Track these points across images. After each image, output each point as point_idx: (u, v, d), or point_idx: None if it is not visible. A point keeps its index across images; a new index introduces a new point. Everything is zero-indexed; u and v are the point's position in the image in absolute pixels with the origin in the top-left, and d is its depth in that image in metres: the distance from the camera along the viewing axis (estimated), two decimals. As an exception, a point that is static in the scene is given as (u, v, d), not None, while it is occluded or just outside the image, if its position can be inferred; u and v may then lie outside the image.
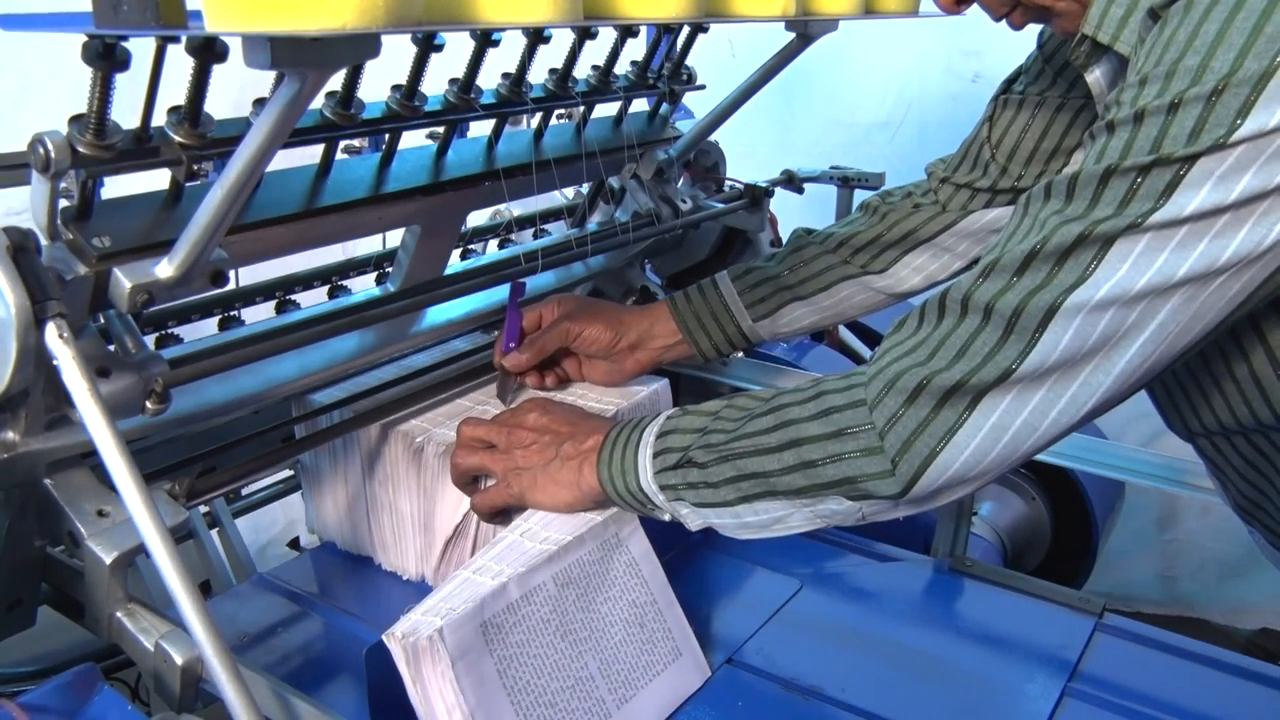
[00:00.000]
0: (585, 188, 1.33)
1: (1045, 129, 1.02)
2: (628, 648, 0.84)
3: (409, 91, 0.91)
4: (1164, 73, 0.62)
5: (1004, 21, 0.89)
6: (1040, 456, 1.08)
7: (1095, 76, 0.81)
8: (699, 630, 0.91)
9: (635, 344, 1.07)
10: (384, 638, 0.73)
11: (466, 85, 0.96)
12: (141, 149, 0.73)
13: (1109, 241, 0.62)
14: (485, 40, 0.92)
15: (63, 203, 0.71)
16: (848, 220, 1.14)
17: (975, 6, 0.89)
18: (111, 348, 0.77)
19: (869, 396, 0.71)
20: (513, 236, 1.33)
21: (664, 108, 1.27)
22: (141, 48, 0.66)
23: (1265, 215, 0.60)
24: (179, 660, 0.67)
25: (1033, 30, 2.24)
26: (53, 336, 0.66)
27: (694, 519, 0.81)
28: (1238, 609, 2.30)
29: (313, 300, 1.04)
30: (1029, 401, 0.66)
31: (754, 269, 1.12)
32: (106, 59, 0.66)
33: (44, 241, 0.71)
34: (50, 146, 0.65)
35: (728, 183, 1.48)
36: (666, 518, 0.83)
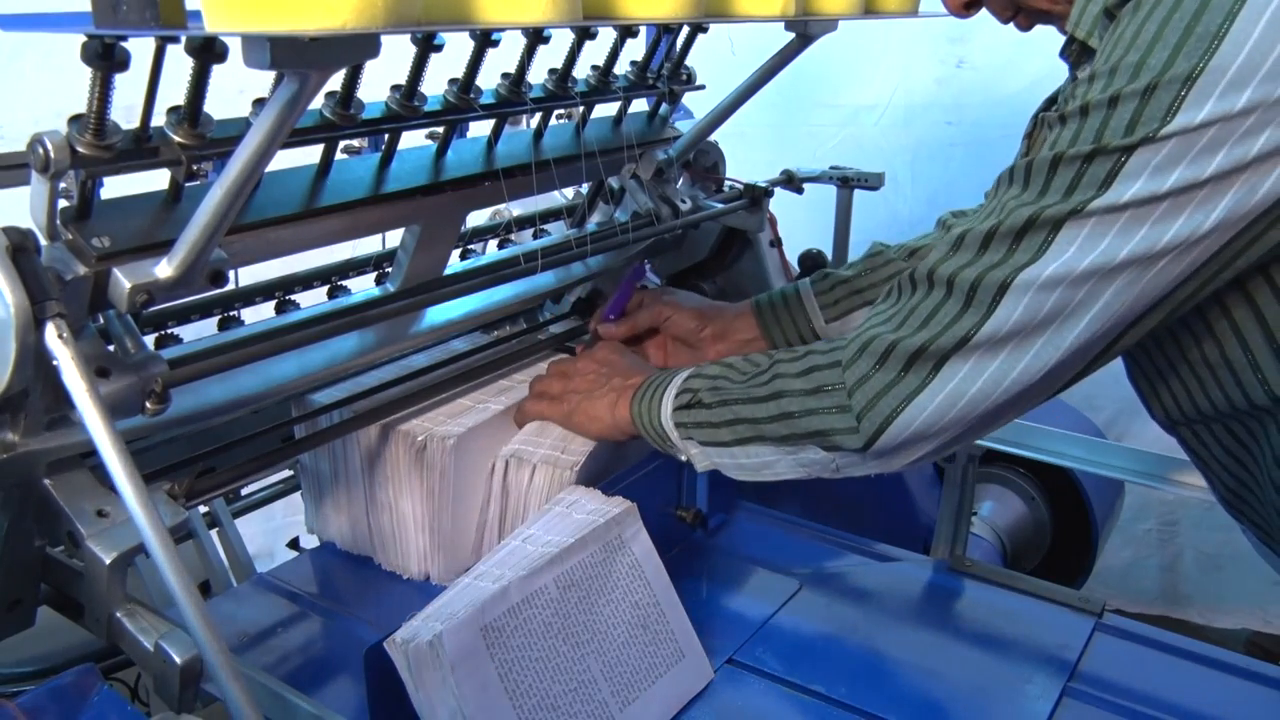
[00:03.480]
0: (585, 188, 1.33)
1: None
2: (631, 649, 0.84)
3: (409, 91, 0.91)
4: (1108, 69, 0.67)
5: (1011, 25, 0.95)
6: (1040, 456, 1.10)
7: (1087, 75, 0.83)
8: (699, 630, 0.91)
9: (718, 335, 1.14)
10: (385, 644, 0.73)
11: (466, 85, 0.96)
12: (141, 149, 0.73)
13: (1057, 225, 0.68)
14: (485, 40, 0.92)
15: (62, 203, 0.71)
16: (923, 235, 1.16)
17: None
18: (111, 348, 0.77)
19: (844, 358, 0.79)
20: (512, 236, 1.33)
21: (663, 108, 1.27)
22: (141, 48, 0.66)
23: (1201, 204, 0.65)
24: (179, 660, 0.67)
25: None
26: (52, 337, 0.66)
27: (701, 459, 0.89)
28: (1225, 610, 2.31)
29: (312, 300, 1.04)
30: (985, 368, 0.73)
31: (831, 274, 1.15)
32: (106, 59, 0.65)
33: (43, 242, 0.71)
34: (49, 147, 0.65)
35: (727, 183, 1.47)
36: (683, 457, 0.91)
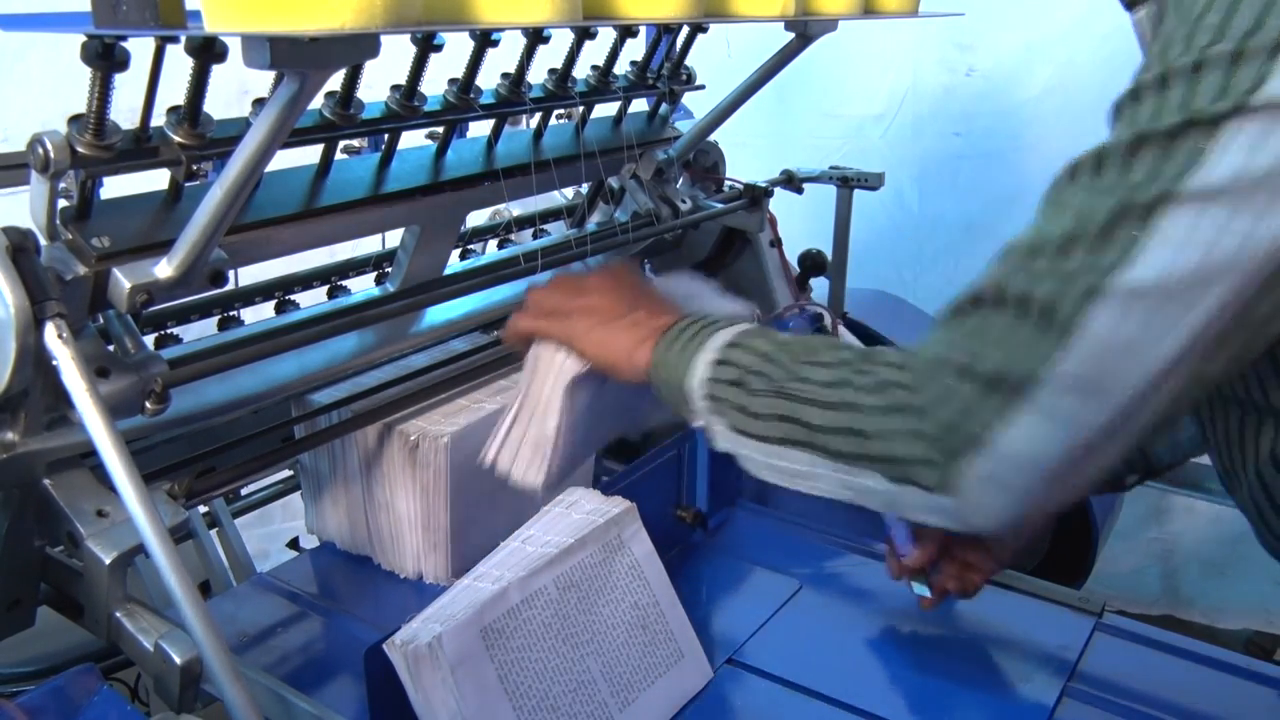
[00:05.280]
0: (585, 188, 1.33)
1: None
2: (630, 650, 0.84)
3: (408, 91, 0.91)
4: (1185, 34, 0.58)
5: None
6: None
7: (1142, 15, 0.77)
8: (698, 630, 0.91)
9: None
10: (384, 646, 0.73)
11: (466, 85, 0.96)
12: (141, 149, 0.73)
13: (1148, 211, 0.57)
14: (485, 40, 0.92)
15: (62, 203, 0.71)
16: None
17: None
18: (111, 348, 0.77)
19: (919, 380, 0.66)
20: (512, 236, 1.33)
21: (663, 108, 1.27)
22: (141, 48, 0.66)
23: None
24: (179, 660, 0.67)
25: (1021, 27, 2.23)
26: (52, 337, 0.66)
27: (724, 440, 0.76)
28: (1229, 611, 2.30)
29: (312, 300, 1.04)
30: (1081, 402, 0.59)
31: None
32: (106, 59, 0.66)
33: (43, 242, 0.71)
34: (49, 147, 0.65)
35: (727, 183, 1.48)
36: (697, 423, 0.78)
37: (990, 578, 0.98)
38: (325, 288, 1.09)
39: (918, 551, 0.96)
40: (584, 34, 1.03)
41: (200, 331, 0.96)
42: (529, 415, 0.85)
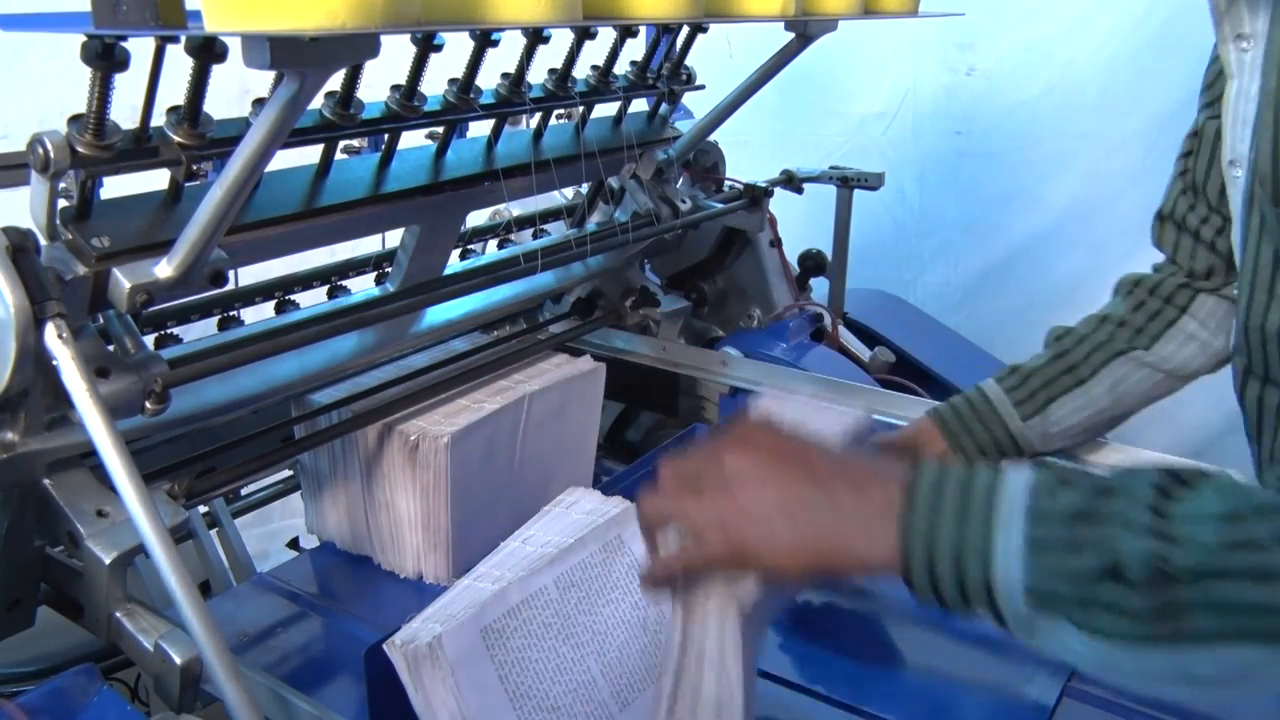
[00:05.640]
0: (585, 188, 1.33)
1: (1211, 155, 0.90)
2: (631, 650, 0.84)
3: (408, 91, 0.91)
4: None
5: None
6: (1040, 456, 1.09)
7: None
8: None
9: (903, 453, 0.95)
10: (385, 646, 0.73)
11: (466, 85, 0.96)
12: (141, 149, 0.73)
13: None
14: (485, 40, 0.92)
15: (62, 203, 0.71)
16: (1106, 304, 1.02)
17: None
18: (111, 348, 0.77)
19: None
20: (512, 236, 1.33)
21: (663, 108, 1.27)
22: (141, 48, 0.66)
23: None
24: (178, 660, 0.67)
25: (1021, 27, 2.23)
26: (52, 337, 0.66)
27: (1072, 648, 0.53)
28: None
29: (312, 300, 1.04)
30: None
31: (1019, 366, 1.00)
32: (106, 59, 0.66)
33: (43, 242, 0.71)
34: (49, 146, 0.65)
35: (727, 183, 1.48)
36: (1005, 627, 0.55)
37: None
38: (325, 288, 1.09)
39: None
40: (584, 34, 1.03)
41: (200, 331, 0.96)
42: (697, 672, 0.63)
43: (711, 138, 1.38)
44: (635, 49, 1.14)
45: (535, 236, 1.28)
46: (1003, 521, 0.53)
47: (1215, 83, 0.89)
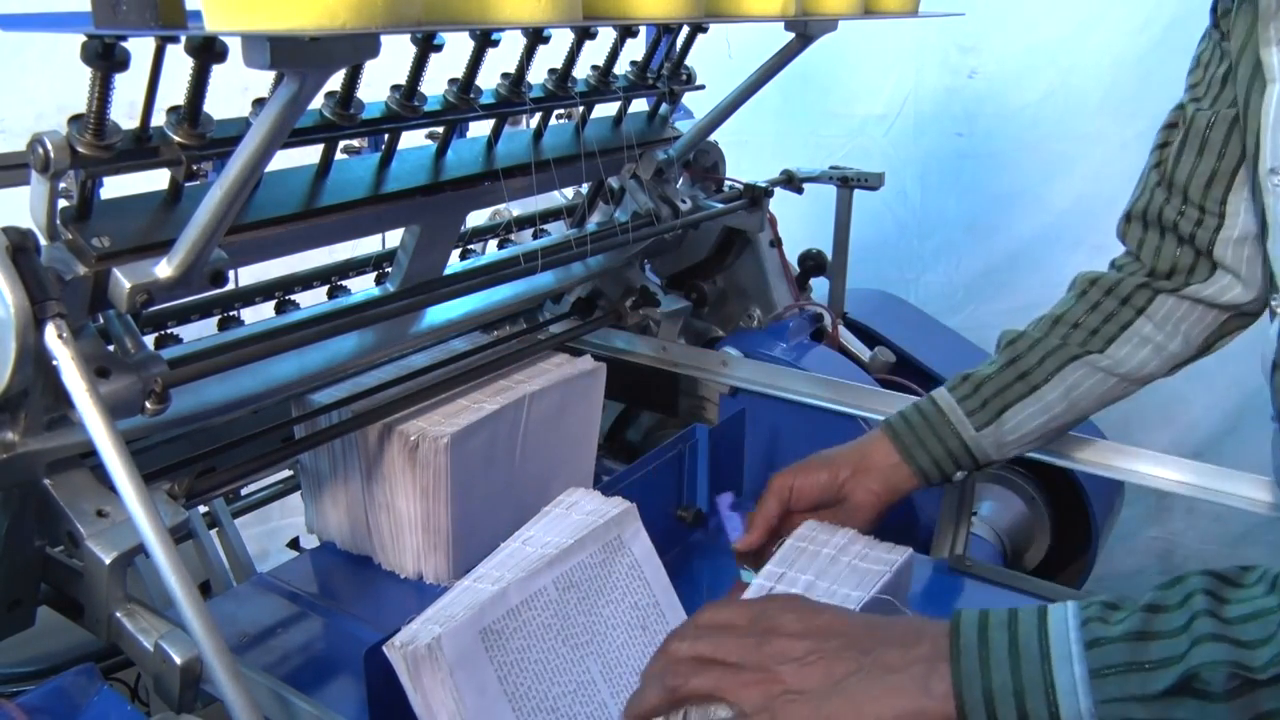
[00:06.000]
0: (585, 188, 1.33)
1: (1201, 146, 0.88)
2: (630, 650, 0.84)
3: (408, 91, 0.91)
4: None
5: None
6: (1040, 456, 1.09)
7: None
8: None
9: (857, 474, 0.94)
10: (384, 648, 0.73)
11: (466, 85, 0.96)
12: (141, 149, 0.73)
13: None
14: (485, 40, 0.92)
15: (62, 203, 0.71)
16: (1059, 302, 1.02)
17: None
18: (111, 348, 0.77)
19: None
20: (512, 236, 1.33)
21: (663, 108, 1.27)
22: (141, 48, 0.66)
23: None
24: (179, 660, 0.67)
25: (1024, 30, 2.23)
26: (52, 337, 0.66)
27: None
28: None
29: (312, 300, 1.04)
30: None
31: (971, 374, 0.98)
32: (106, 59, 0.66)
33: (43, 242, 0.71)
34: (49, 146, 0.65)
35: (727, 183, 1.48)
36: None
37: None
38: (325, 288, 1.09)
39: (747, 537, 0.94)
40: (584, 34, 1.03)
41: (200, 331, 0.96)
42: None
43: (711, 138, 1.38)
44: (635, 49, 1.14)
45: (535, 236, 1.28)
46: (1060, 656, 0.53)
47: (1201, 71, 0.88)
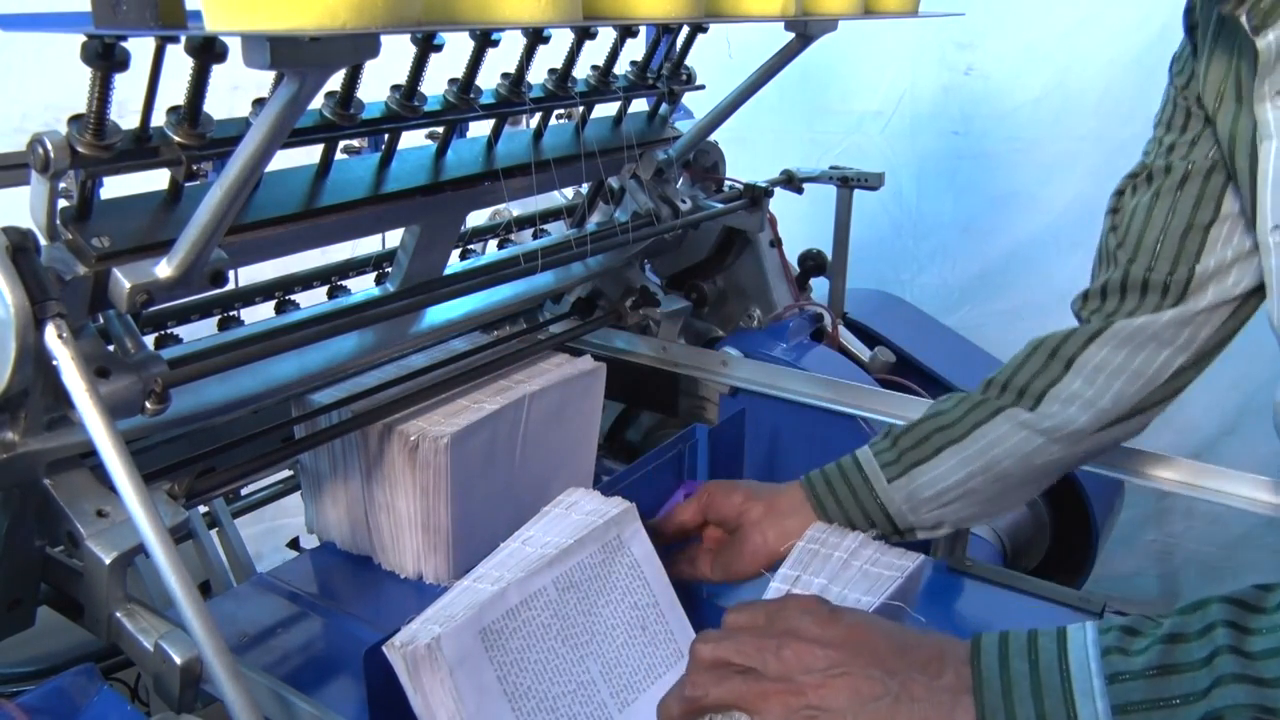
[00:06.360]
0: (585, 188, 1.33)
1: (1171, 205, 0.86)
2: (630, 650, 0.84)
3: (408, 91, 0.91)
4: None
5: None
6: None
7: (1270, 40, 0.69)
8: (698, 630, 0.90)
9: (763, 514, 0.91)
10: (384, 648, 0.73)
11: (466, 85, 0.96)
12: (141, 149, 0.73)
13: None
14: (485, 40, 0.92)
15: (62, 203, 0.71)
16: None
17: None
18: (111, 348, 0.77)
19: None
20: (512, 236, 1.33)
21: (663, 108, 1.27)
22: (141, 48, 0.66)
23: None
24: (179, 660, 0.67)
25: (1021, 28, 2.22)
26: (52, 337, 0.66)
27: None
28: None
29: (312, 300, 1.04)
30: None
31: (892, 429, 0.95)
32: (105, 59, 0.66)
33: (43, 242, 0.71)
34: (49, 146, 0.65)
35: (727, 183, 1.48)
36: None
37: (707, 580, 0.94)
38: (325, 288, 1.09)
39: (660, 519, 0.95)
40: (584, 34, 1.03)
41: (200, 331, 0.96)
42: None
43: (711, 137, 1.38)
44: (635, 49, 1.14)
45: (535, 236, 1.28)
46: (1082, 691, 0.53)
47: (1183, 123, 0.86)
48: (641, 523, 0.89)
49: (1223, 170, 0.82)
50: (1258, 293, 0.84)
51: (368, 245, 1.14)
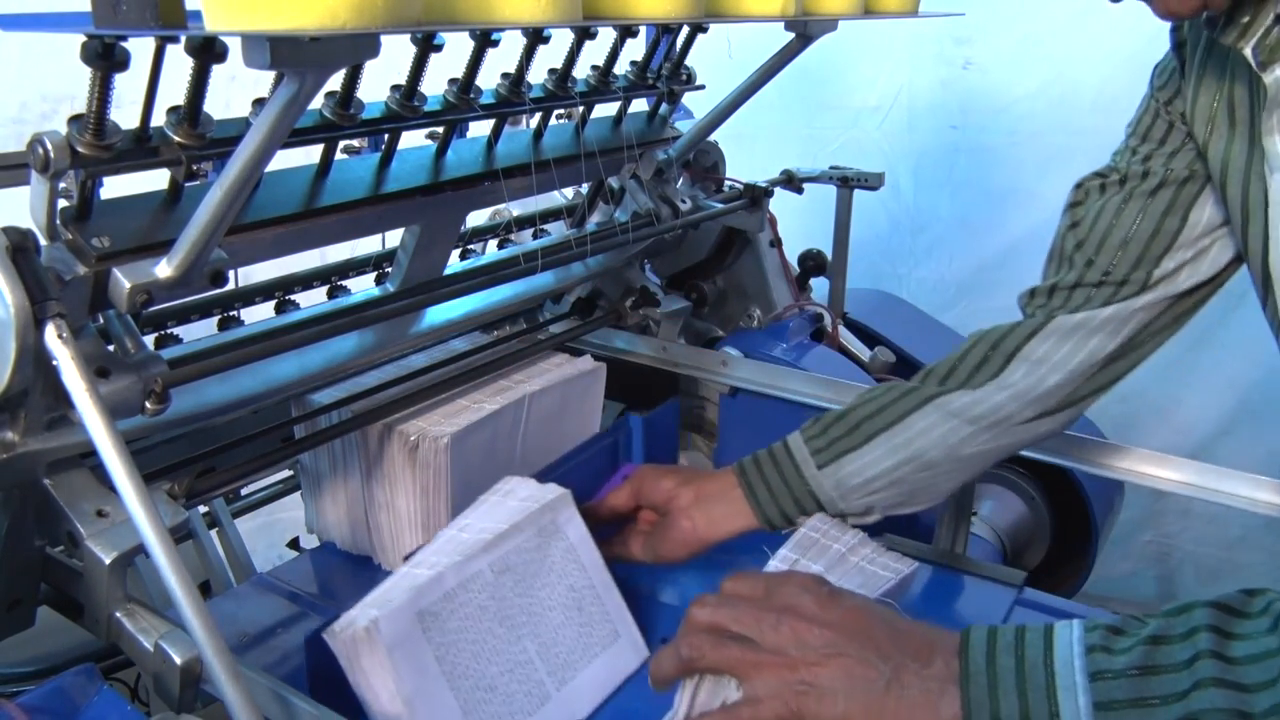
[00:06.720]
0: (585, 188, 1.33)
1: (1142, 208, 0.86)
2: (566, 631, 0.85)
3: (408, 91, 0.91)
4: None
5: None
6: (1040, 456, 1.09)
7: (1279, 75, 0.68)
8: (635, 611, 0.91)
9: (693, 500, 0.92)
10: (324, 634, 0.74)
11: (466, 85, 0.96)
12: (141, 149, 0.73)
13: None
14: (485, 40, 0.92)
15: (62, 203, 0.71)
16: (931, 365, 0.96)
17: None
18: (111, 348, 0.77)
19: None
20: (512, 236, 1.33)
21: (663, 108, 1.27)
22: (141, 48, 0.66)
23: None
24: (178, 660, 0.67)
25: (1018, 21, 2.20)
26: (52, 337, 0.66)
27: None
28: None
29: (312, 300, 1.04)
30: None
31: (823, 415, 0.94)
32: (105, 59, 0.66)
33: (43, 242, 0.71)
34: (49, 147, 0.65)
35: (727, 183, 1.48)
36: None
37: (637, 561, 0.96)
38: (325, 288, 1.09)
39: (596, 502, 0.96)
40: (584, 34, 1.03)
41: (200, 331, 0.96)
42: None
43: (711, 138, 1.38)
44: (635, 49, 1.14)
45: (535, 236, 1.28)
46: (1065, 687, 0.54)
47: (1162, 135, 0.86)
48: (577, 508, 0.90)
49: (1198, 182, 0.83)
50: (1198, 289, 0.86)
51: (368, 245, 1.14)
